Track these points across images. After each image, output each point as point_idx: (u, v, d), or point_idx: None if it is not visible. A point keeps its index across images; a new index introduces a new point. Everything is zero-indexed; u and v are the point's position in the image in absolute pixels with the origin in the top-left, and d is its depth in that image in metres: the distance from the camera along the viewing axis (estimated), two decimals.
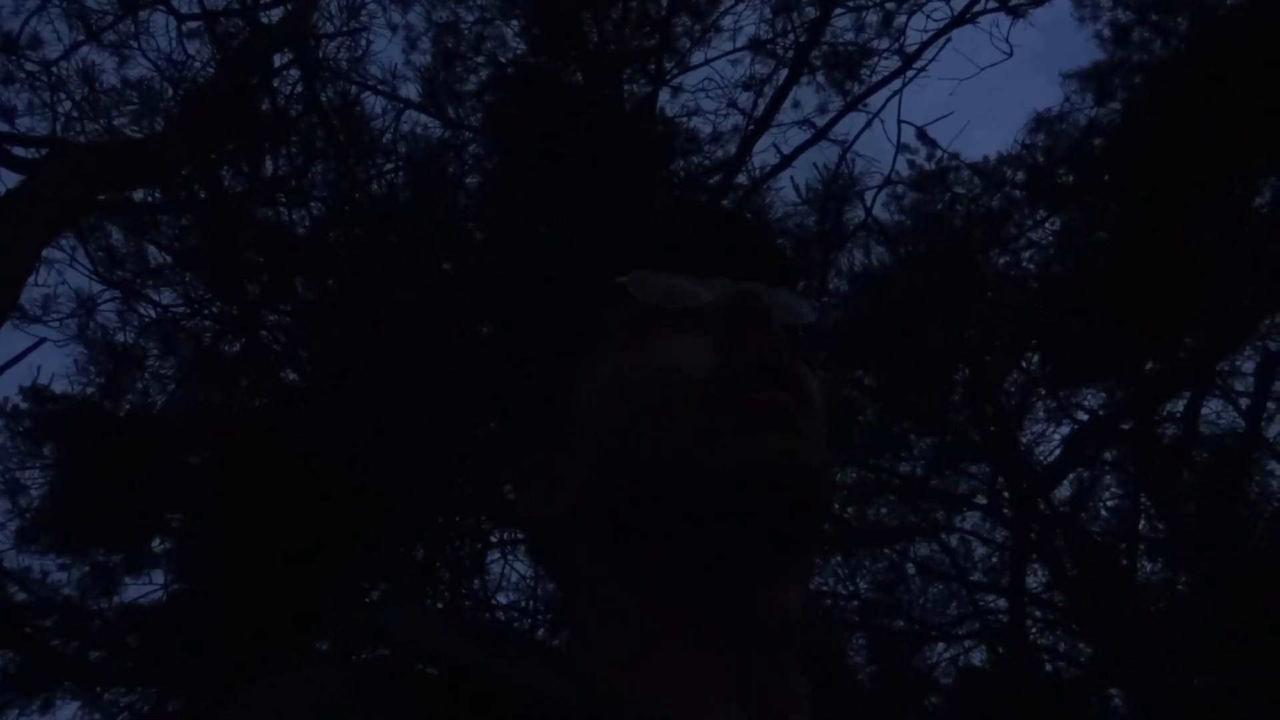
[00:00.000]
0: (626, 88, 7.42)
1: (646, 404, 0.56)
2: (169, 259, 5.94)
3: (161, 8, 6.63)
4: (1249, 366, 6.64)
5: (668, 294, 0.60)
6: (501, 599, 5.17)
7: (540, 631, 4.97)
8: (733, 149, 7.18)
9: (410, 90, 7.52)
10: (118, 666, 5.03)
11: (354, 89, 7.15)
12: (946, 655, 6.34)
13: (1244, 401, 6.46)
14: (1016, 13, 7.16)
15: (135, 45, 6.46)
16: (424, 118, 7.36)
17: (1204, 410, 6.49)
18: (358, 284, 6.00)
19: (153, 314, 5.89)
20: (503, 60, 7.52)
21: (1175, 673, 6.01)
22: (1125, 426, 6.59)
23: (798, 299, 0.64)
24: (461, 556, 5.37)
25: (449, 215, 6.94)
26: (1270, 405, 6.44)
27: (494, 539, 5.41)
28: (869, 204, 6.98)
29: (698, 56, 7.45)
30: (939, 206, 6.94)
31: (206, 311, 5.85)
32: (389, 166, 7.18)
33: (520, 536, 5.13)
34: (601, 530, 0.57)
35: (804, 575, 0.57)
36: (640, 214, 0.67)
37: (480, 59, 7.57)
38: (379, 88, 7.30)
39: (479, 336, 6.14)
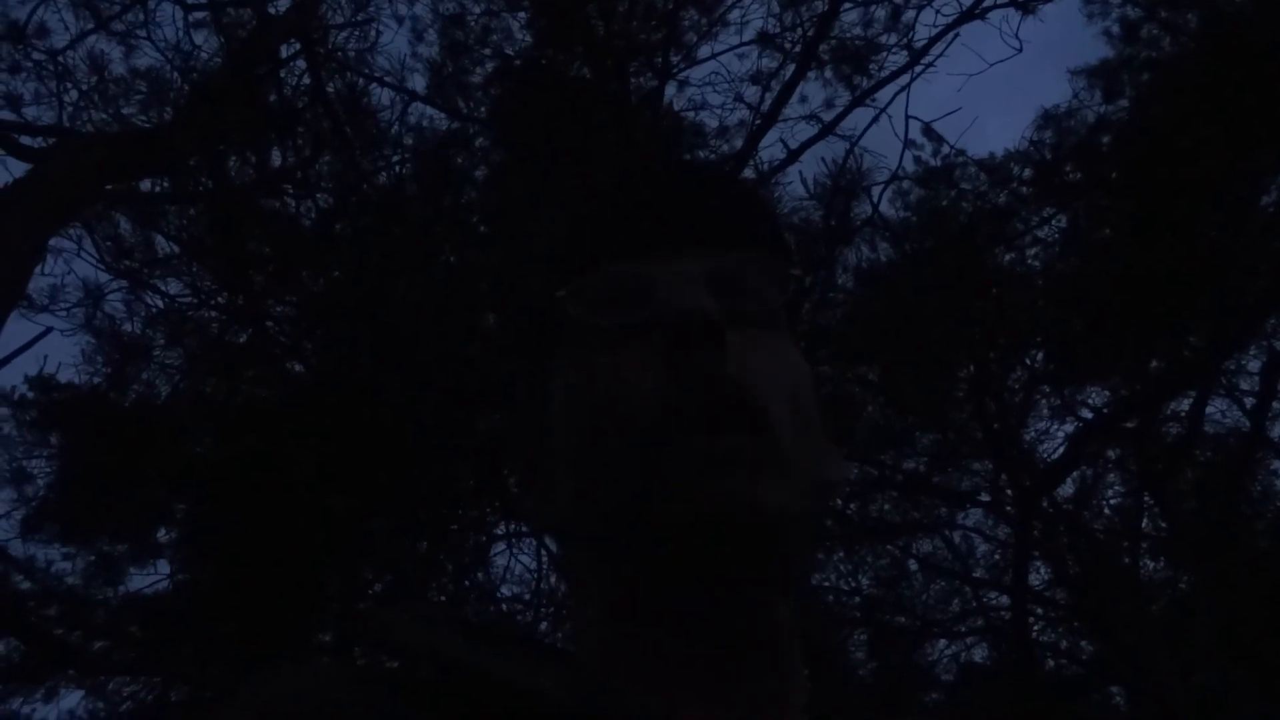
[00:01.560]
0: (633, 81, 7.41)
1: (592, 438, 0.53)
2: (176, 249, 5.95)
3: None
4: (1255, 365, 6.63)
5: (606, 306, 0.56)
6: (505, 591, 5.20)
7: (544, 625, 4.98)
8: (739, 143, 7.18)
9: (417, 82, 7.52)
10: (121, 656, 5.05)
11: (361, 81, 7.15)
12: (948, 652, 6.36)
13: (1249, 401, 6.46)
14: (1026, 8, 7.14)
15: (143, 35, 6.47)
16: (431, 110, 7.38)
17: (1208, 409, 6.49)
18: (363, 275, 6.01)
19: (160, 304, 5.91)
20: (509, 53, 7.51)
21: (1176, 670, 6.01)
22: (1129, 425, 6.58)
23: (773, 261, 0.58)
24: (465, 548, 5.38)
25: (455, 208, 6.94)
26: (1275, 404, 6.44)
27: (498, 531, 5.43)
28: (875, 200, 6.97)
29: (704, 50, 7.45)
30: (945, 203, 6.93)
31: (213, 302, 5.86)
32: (395, 159, 7.19)
33: (524, 529, 5.15)
34: (583, 541, 0.56)
35: (786, 593, 0.53)
36: (599, 188, 0.61)
37: (486, 51, 7.56)
38: (386, 79, 7.30)
39: (483, 328, 6.14)
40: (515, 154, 7.10)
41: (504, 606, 5.06)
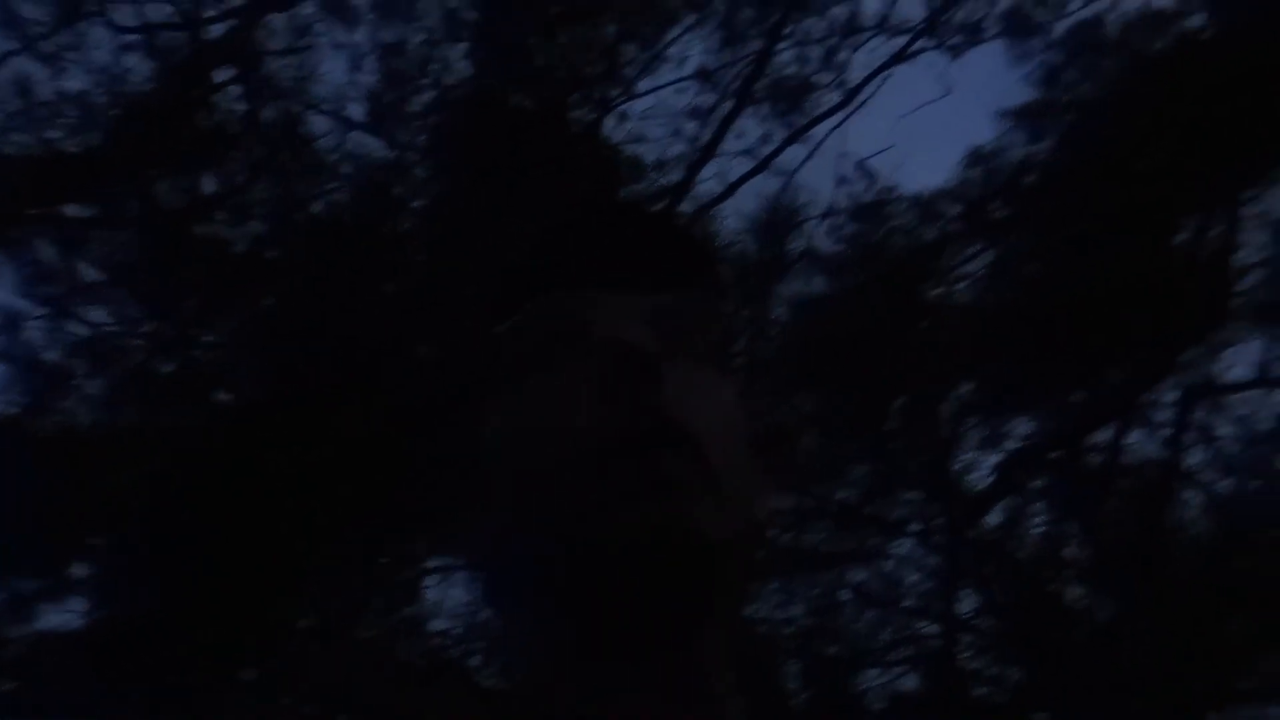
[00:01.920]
0: (574, 113, 7.48)
1: (536, 463, 0.55)
2: (101, 276, 5.82)
3: (100, 20, 6.52)
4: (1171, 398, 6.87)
5: (549, 338, 0.58)
6: (438, 624, 5.12)
7: (476, 659, 4.93)
8: (677, 177, 7.28)
9: (355, 110, 7.49)
10: (32, 697, 4.87)
11: (298, 107, 7.10)
12: (879, 681, 6.44)
13: (1165, 433, 6.71)
14: (952, 52, 7.41)
15: (72, 57, 6.34)
16: (369, 138, 7.35)
17: (1127, 440, 6.73)
18: (296, 304, 5.94)
19: (83, 332, 5.76)
20: (449, 83, 7.52)
21: (1101, 695, 6.16)
22: (1054, 454, 6.78)
23: (709, 300, 0.61)
24: (397, 582, 5.31)
25: (393, 237, 6.91)
26: (1189, 436, 6.70)
27: (431, 564, 5.37)
28: (810, 234, 7.14)
29: (644, 85, 7.55)
30: (877, 238, 7.10)
31: (139, 330, 5.74)
32: (332, 186, 7.13)
33: (456, 563, 5.10)
34: (522, 563, 0.57)
35: (722, 620, 0.54)
36: (544, 224, 0.63)
37: (426, 80, 7.56)
38: (323, 107, 7.27)
39: (418, 357, 6.10)
40: (454, 183, 7.11)
41: (436, 641, 5.00)
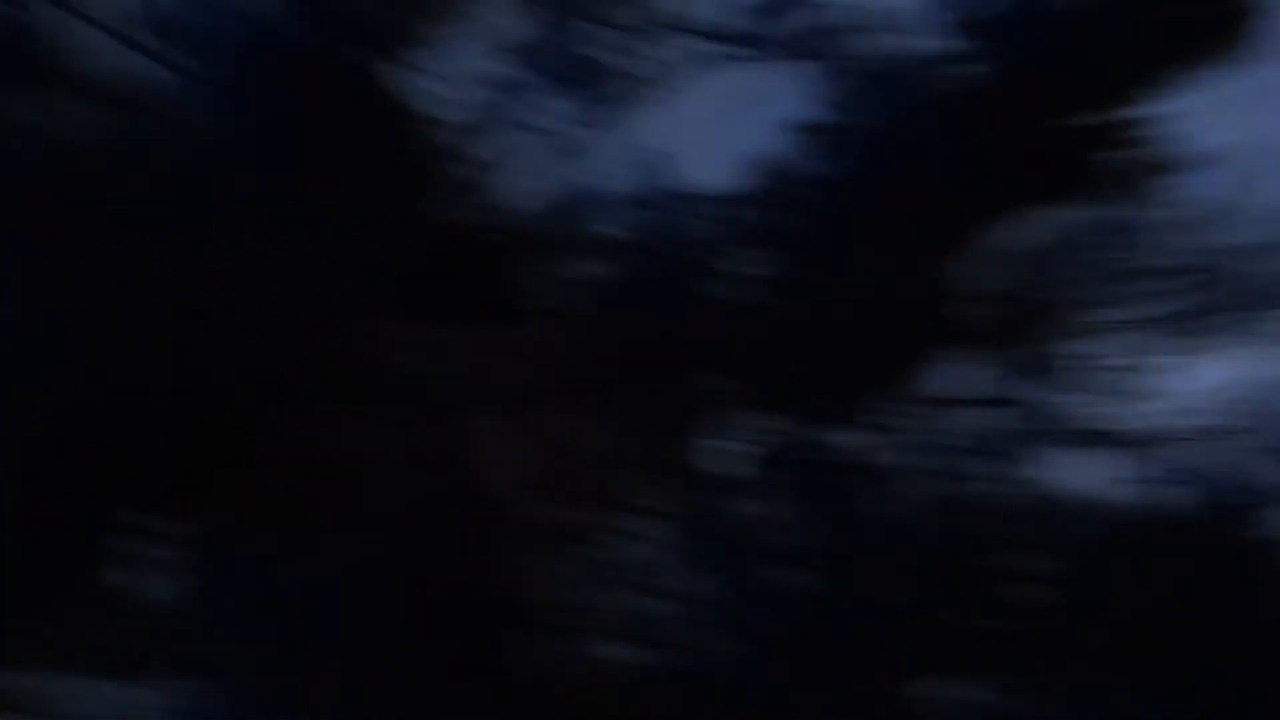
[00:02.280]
0: (372, 65, 7.37)
1: (338, 506, 0.62)
2: None
3: None
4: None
5: (349, 370, 0.65)
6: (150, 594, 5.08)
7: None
8: (470, 145, 7.32)
9: (139, 33, 7.08)
10: None
11: (69, 15, 6.69)
12: (611, 655, 6.87)
13: (888, 438, 7.45)
14: (756, 64, 7.76)
15: None
16: (150, 64, 6.99)
17: (856, 443, 7.43)
18: (56, 248, 5.68)
19: None
20: (256, 18, 7.23)
21: (815, 677, 6.90)
22: (795, 452, 7.41)
23: (525, 337, 0.70)
24: (127, 553, 5.24)
25: (179, 178, 6.63)
26: (908, 441, 7.48)
27: (166, 532, 5.30)
28: (595, 219, 7.37)
29: (448, 47, 7.50)
30: (659, 231, 7.42)
31: None
32: (106, 112, 6.76)
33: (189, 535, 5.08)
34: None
35: (526, 661, 0.64)
36: (400, 253, 0.71)
37: (230, 12, 7.24)
38: (103, 23, 6.87)
39: (202, 322, 5.90)
40: (255, 129, 6.87)
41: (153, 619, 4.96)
